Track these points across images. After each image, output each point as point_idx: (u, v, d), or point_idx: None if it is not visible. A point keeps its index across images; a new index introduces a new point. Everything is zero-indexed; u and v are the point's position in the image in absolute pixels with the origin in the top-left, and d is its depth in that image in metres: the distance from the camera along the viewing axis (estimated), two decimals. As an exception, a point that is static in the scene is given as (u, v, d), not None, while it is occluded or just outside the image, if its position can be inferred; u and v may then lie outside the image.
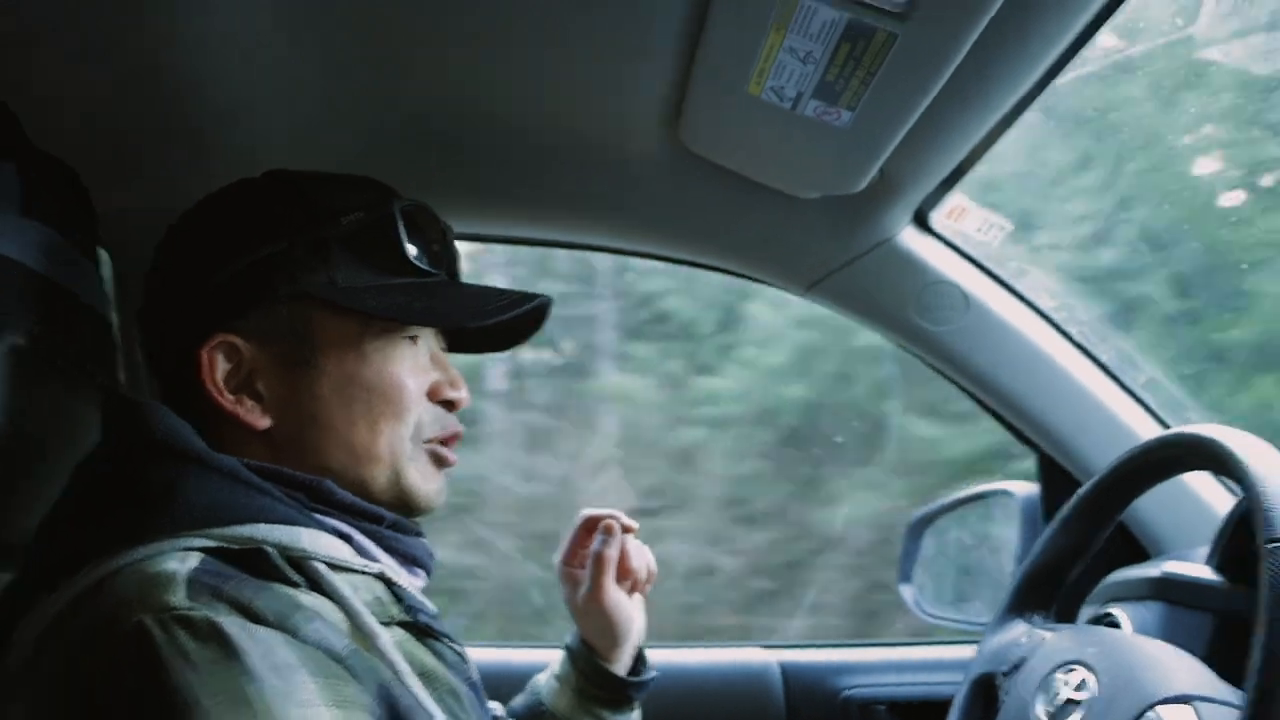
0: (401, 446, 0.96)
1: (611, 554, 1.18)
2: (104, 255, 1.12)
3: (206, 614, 0.73)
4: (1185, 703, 0.88)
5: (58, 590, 0.79)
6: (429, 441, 0.99)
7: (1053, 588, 1.20)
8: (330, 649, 0.78)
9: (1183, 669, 0.92)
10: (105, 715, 0.70)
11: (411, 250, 0.97)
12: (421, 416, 0.98)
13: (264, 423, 0.93)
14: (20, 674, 0.77)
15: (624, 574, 1.20)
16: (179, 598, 0.74)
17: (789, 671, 1.65)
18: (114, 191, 1.13)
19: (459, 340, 1.07)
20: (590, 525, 1.23)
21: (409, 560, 0.97)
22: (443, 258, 1.01)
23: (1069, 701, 0.97)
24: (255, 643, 0.73)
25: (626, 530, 1.21)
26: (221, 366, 0.92)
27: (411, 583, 0.95)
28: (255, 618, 0.76)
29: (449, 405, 1.01)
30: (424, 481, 0.98)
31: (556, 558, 1.24)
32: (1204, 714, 0.86)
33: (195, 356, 0.92)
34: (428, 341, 1.01)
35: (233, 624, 0.73)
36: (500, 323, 0.99)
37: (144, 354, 0.99)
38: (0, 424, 0.89)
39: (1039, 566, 1.20)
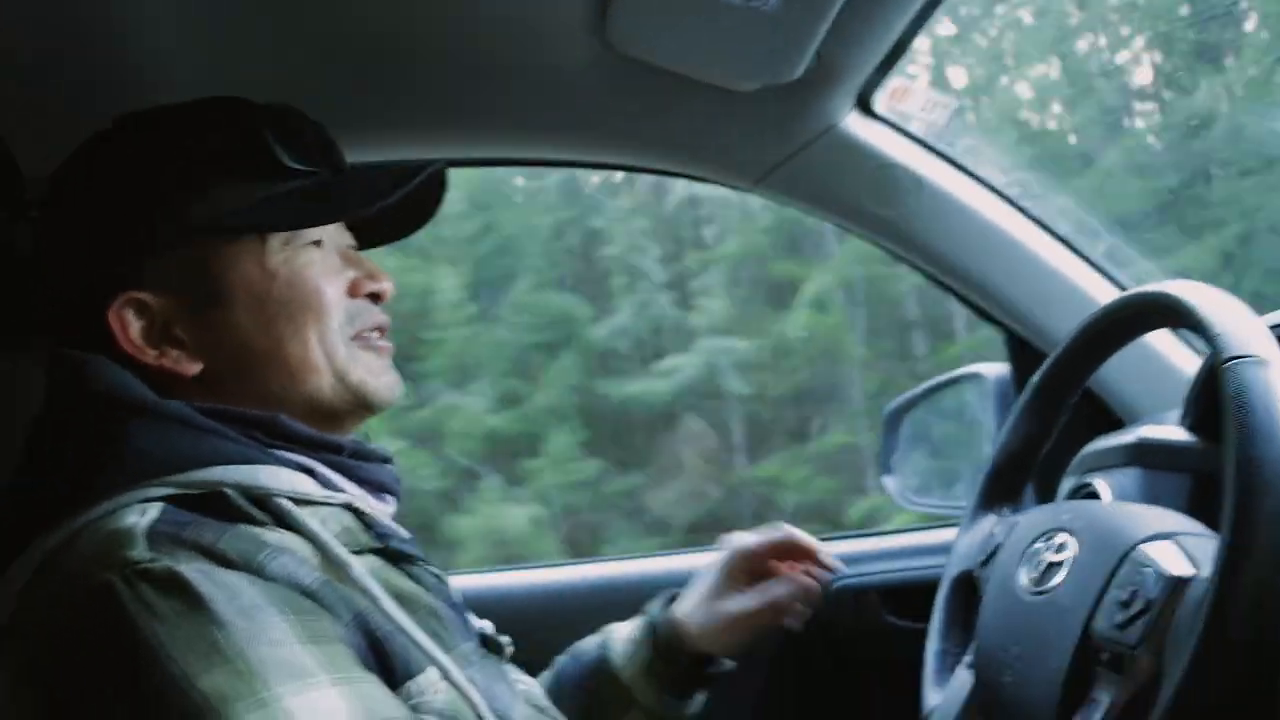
0: (335, 349, 0.94)
1: (789, 603, 1.17)
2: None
3: (168, 564, 0.73)
4: (1167, 539, 0.87)
5: (26, 553, 0.79)
6: (357, 337, 0.97)
7: (1020, 478, 1.19)
8: (299, 583, 0.78)
9: (1163, 515, 0.92)
10: (79, 674, 0.71)
11: (286, 155, 0.94)
12: (349, 314, 0.96)
13: (194, 368, 0.91)
14: (6, 634, 0.77)
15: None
16: (139, 550, 0.74)
17: None
18: (39, 159, 1.09)
19: (366, 234, 1.04)
20: (787, 550, 1.21)
21: (376, 487, 0.96)
22: (321, 155, 0.98)
23: (1051, 565, 0.97)
24: (219, 588, 0.73)
25: (823, 567, 1.19)
26: (135, 324, 0.90)
27: (381, 509, 0.95)
28: (219, 560, 0.75)
29: (374, 298, 0.99)
30: (372, 376, 0.96)
31: (731, 547, 1.21)
32: (1186, 546, 0.86)
33: (104, 321, 0.90)
34: (334, 240, 0.99)
35: (195, 571, 0.73)
36: (398, 201, 0.96)
37: (54, 324, 0.96)
38: None
39: (1003, 459, 1.19)
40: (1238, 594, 0.71)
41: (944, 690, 1.09)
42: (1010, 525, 1.10)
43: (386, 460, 0.99)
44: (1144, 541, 0.88)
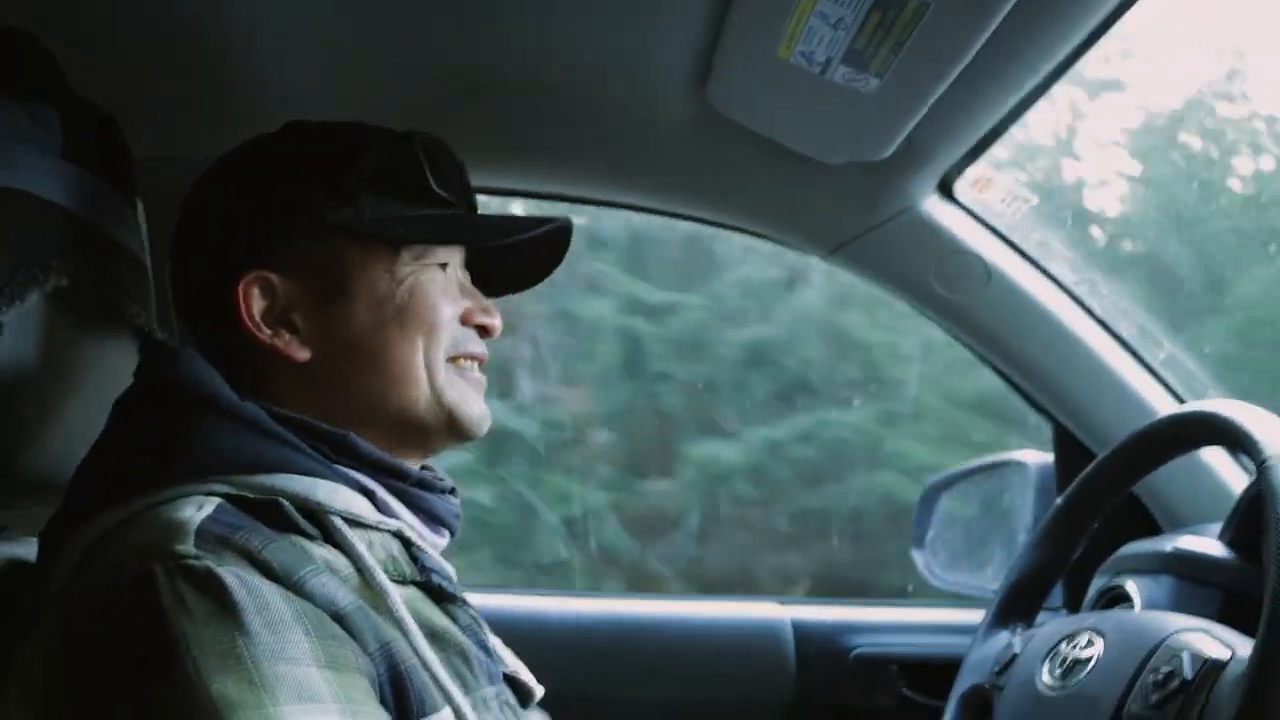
0: (437, 366, 0.96)
1: None
2: (140, 205, 1.13)
3: (209, 564, 0.74)
4: (1201, 631, 0.90)
5: (89, 525, 0.81)
6: (455, 360, 0.98)
7: (1038, 598, 1.20)
8: (333, 605, 0.78)
9: (1194, 618, 0.95)
10: (103, 654, 0.72)
11: (434, 181, 0.98)
12: (456, 338, 0.98)
13: (303, 354, 0.93)
14: (55, 601, 0.79)
15: None
16: (186, 545, 0.75)
17: (800, 628, 1.67)
18: (149, 139, 1.14)
19: (484, 280, 1.07)
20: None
21: (434, 519, 0.96)
22: (461, 191, 1.02)
23: (1076, 662, 0.98)
24: (252, 596, 0.73)
25: None
26: (258, 303, 0.93)
27: (435, 542, 0.96)
28: (261, 568, 0.76)
29: (482, 331, 1.02)
30: (464, 403, 0.98)
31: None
32: (1220, 635, 0.88)
33: (230, 295, 0.93)
34: (456, 271, 1.01)
35: (233, 576, 0.74)
36: (528, 242, 1.00)
37: (174, 300, 1.00)
38: (43, 364, 0.91)
39: (1022, 578, 1.20)
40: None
41: None
42: (1028, 637, 1.10)
43: (450, 491, 1.00)
44: (1178, 632, 0.91)
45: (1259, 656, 0.74)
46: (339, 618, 0.78)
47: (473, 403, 0.99)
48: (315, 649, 0.74)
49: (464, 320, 1.00)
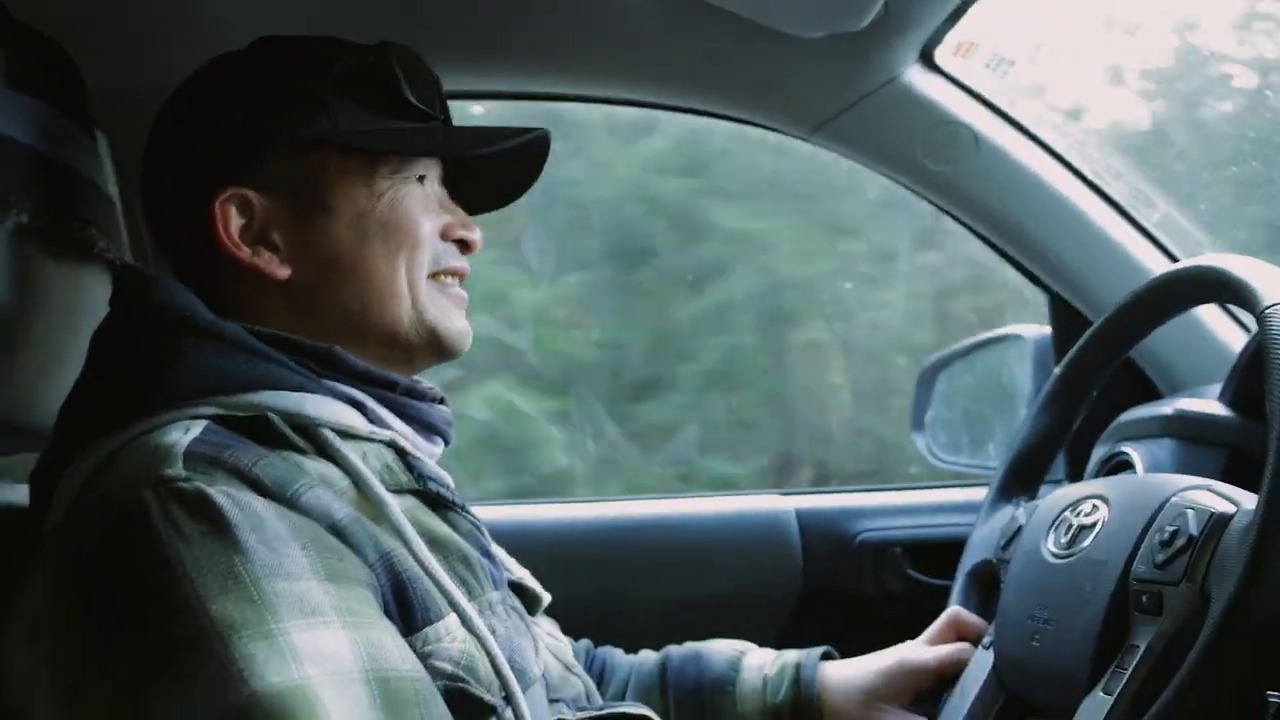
0: (419, 282, 0.95)
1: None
2: (101, 137, 1.10)
3: (200, 485, 0.74)
4: (1204, 488, 0.89)
5: (79, 461, 0.81)
6: (436, 277, 0.97)
7: (1039, 470, 1.20)
8: (330, 518, 0.78)
9: (1196, 477, 0.93)
10: (104, 584, 0.72)
11: (409, 92, 0.96)
12: (436, 253, 0.97)
13: (284, 272, 0.92)
14: (53, 538, 0.79)
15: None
16: (175, 469, 0.75)
17: (804, 517, 1.67)
18: (105, 70, 1.10)
19: (461, 195, 1.05)
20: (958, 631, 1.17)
21: (426, 428, 0.96)
22: (436, 104, 1.00)
23: (1082, 528, 0.97)
24: (246, 514, 0.73)
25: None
26: (235, 221, 0.92)
27: (429, 450, 0.95)
28: (253, 485, 0.76)
29: (463, 246, 1.00)
30: (446, 319, 0.97)
31: (908, 663, 1.15)
32: (1223, 491, 0.87)
33: (206, 215, 0.91)
34: (434, 185, 1.00)
35: (224, 495, 0.73)
36: (508, 153, 0.99)
37: (147, 226, 0.99)
38: (13, 302, 0.89)
39: (1023, 451, 1.19)
40: None
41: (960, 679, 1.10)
42: (1032, 509, 1.10)
43: (440, 401, 1.00)
44: (1182, 490, 0.90)
45: (1265, 503, 0.73)
46: (336, 531, 0.78)
47: (454, 319, 0.98)
48: (314, 563, 0.74)
49: (444, 235, 0.99)
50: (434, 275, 0.97)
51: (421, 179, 0.97)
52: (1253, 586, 0.72)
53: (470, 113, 1.87)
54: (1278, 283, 0.84)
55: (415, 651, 0.78)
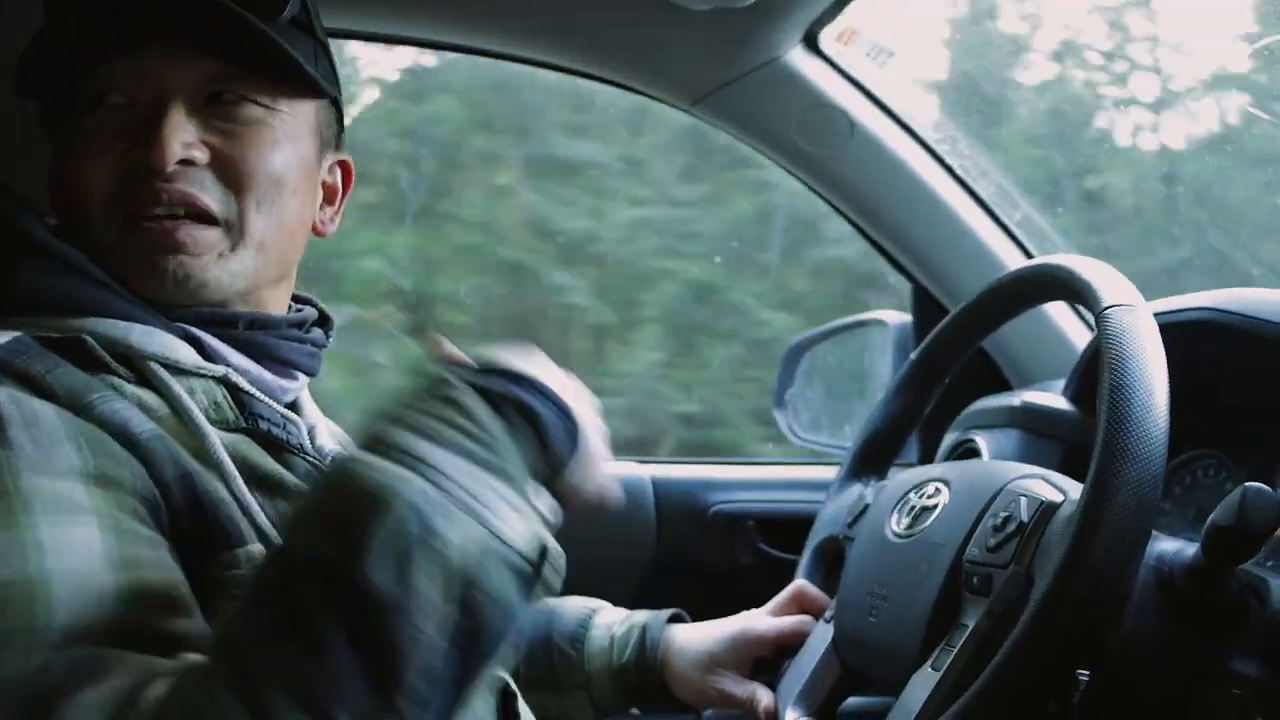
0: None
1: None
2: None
3: None
4: (1039, 477, 0.93)
5: None
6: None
7: (890, 452, 1.22)
8: (125, 429, 0.76)
9: (1033, 466, 0.97)
10: None
11: None
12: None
13: None
14: None
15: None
16: None
17: (660, 486, 1.68)
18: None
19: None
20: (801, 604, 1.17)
21: (281, 363, 0.93)
22: None
23: (923, 510, 1.00)
24: (22, 412, 0.72)
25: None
26: None
27: (284, 386, 0.93)
28: (38, 389, 0.75)
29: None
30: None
31: (749, 631, 1.15)
32: (1056, 481, 0.92)
33: None
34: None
35: (6, 395, 0.73)
36: None
37: None
38: None
39: (875, 432, 1.22)
40: (1112, 495, 0.76)
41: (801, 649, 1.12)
42: (879, 488, 1.13)
43: (302, 334, 0.97)
44: (1018, 479, 0.94)
45: (1087, 495, 0.77)
46: (131, 443, 0.76)
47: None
48: (86, 463, 0.73)
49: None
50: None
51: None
52: (1070, 571, 0.75)
53: (347, 54, 1.81)
54: (1119, 286, 0.88)
55: (212, 576, 0.77)
